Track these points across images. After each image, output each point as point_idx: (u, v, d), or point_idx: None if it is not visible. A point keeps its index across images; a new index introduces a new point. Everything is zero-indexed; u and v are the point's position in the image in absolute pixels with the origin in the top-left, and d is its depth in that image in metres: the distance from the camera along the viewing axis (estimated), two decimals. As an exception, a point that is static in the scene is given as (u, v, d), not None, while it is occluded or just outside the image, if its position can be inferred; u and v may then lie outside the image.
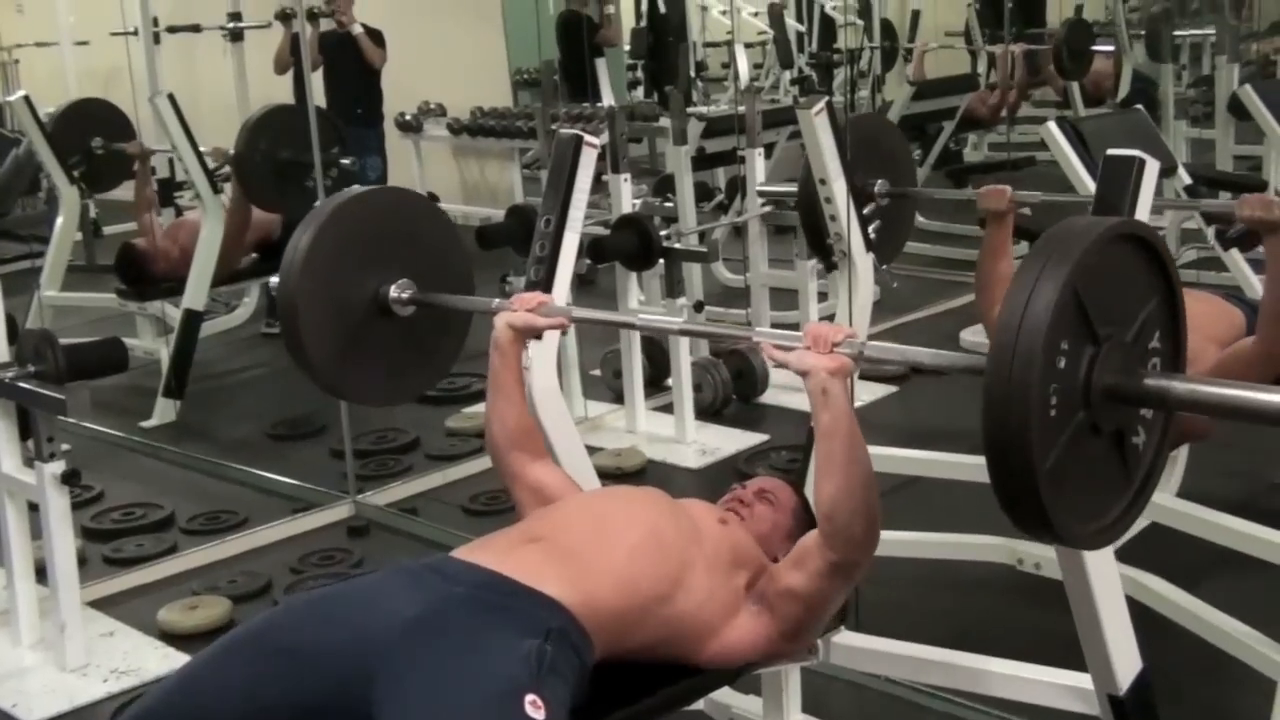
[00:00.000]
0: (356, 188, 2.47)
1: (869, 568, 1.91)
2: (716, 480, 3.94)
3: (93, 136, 5.34)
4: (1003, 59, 7.33)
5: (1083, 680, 2.15)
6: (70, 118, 5.42)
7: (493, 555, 1.88)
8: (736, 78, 6.98)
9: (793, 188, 4.04)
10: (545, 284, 2.40)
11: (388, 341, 2.40)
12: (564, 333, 2.28)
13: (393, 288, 2.37)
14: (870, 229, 3.30)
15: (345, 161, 4.76)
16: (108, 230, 6.04)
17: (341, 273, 2.33)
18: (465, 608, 1.76)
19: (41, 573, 3.11)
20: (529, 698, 1.64)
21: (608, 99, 6.94)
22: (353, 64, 6.39)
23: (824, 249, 3.46)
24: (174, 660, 3.07)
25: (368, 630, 1.73)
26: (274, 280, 2.34)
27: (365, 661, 1.70)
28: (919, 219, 6.81)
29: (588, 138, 2.50)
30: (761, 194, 4.71)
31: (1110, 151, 2.10)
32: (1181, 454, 3.27)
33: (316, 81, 6.17)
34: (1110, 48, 7.30)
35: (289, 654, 1.74)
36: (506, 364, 2.19)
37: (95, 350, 3.15)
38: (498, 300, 2.29)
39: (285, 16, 5.92)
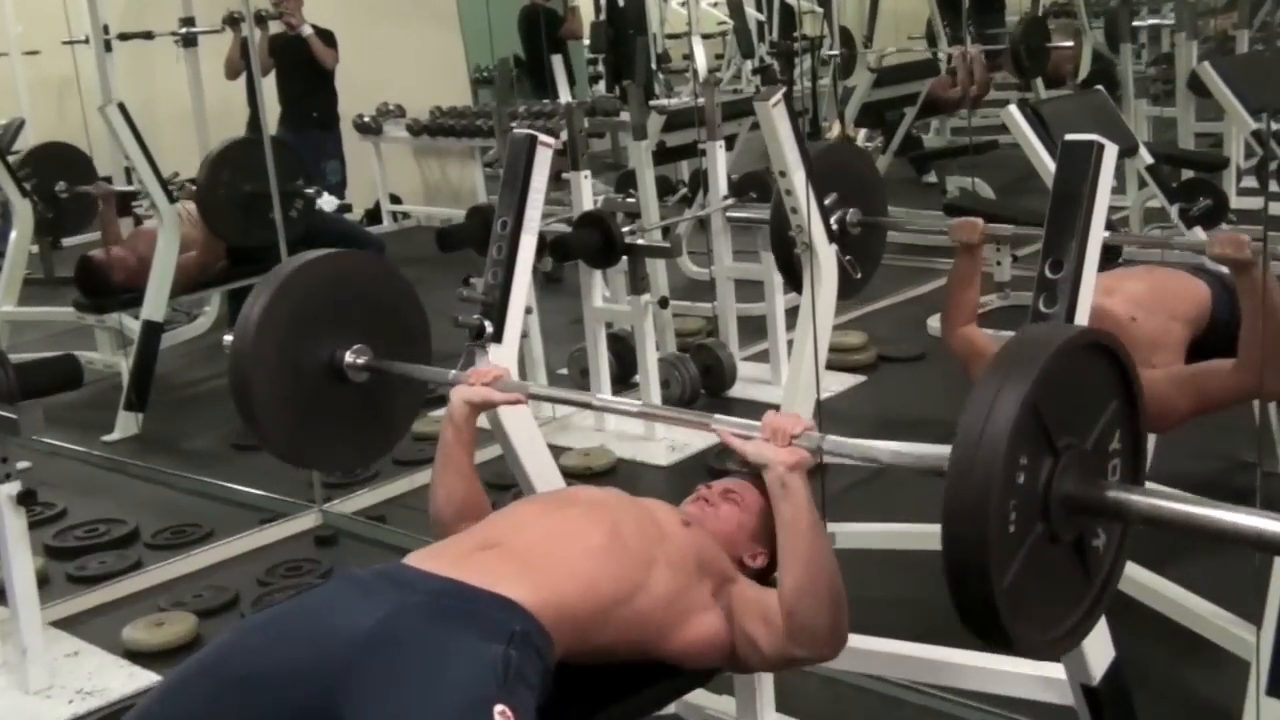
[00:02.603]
0: (312, 252, 2.42)
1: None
2: (686, 477, 3.92)
3: (57, 181, 5.27)
4: (961, 60, 7.35)
5: (1056, 670, 2.13)
6: (34, 161, 5.35)
7: (448, 562, 1.85)
8: (695, 70, 6.96)
9: (761, 213, 4.03)
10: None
11: (343, 408, 2.37)
12: (525, 332, 2.26)
13: (348, 353, 2.34)
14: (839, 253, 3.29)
15: (309, 191, 4.72)
16: (67, 242, 5.97)
17: (295, 339, 2.30)
18: (424, 617, 1.73)
19: (1, 593, 3.05)
20: (498, 708, 1.61)
21: (565, 95, 6.90)
22: (304, 66, 6.33)
23: (793, 272, 3.43)
24: (140, 679, 3.03)
25: (326, 648, 1.69)
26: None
27: (326, 681, 1.66)
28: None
29: (542, 137, 2.46)
30: (731, 220, 4.69)
31: (1068, 136, 2.07)
32: (1150, 436, 3.26)
33: (269, 86, 6.12)
34: (1069, 44, 7.33)
35: (247, 681, 1.70)
36: (460, 439, 2.15)
37: (48, 368, 3.09)
38: (454, 371, 2.26)
39: (234, 20, 5.86)
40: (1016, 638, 1.48)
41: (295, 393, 2.30)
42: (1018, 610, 1.47)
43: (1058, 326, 1.86)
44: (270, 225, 4.08)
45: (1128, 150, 4.27)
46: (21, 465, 4.04)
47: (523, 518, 2.00)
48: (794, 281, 3.43)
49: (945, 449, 1.49)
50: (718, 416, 1.96)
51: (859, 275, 3.28)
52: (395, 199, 7.74)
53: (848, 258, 3.23)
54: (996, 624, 1.46)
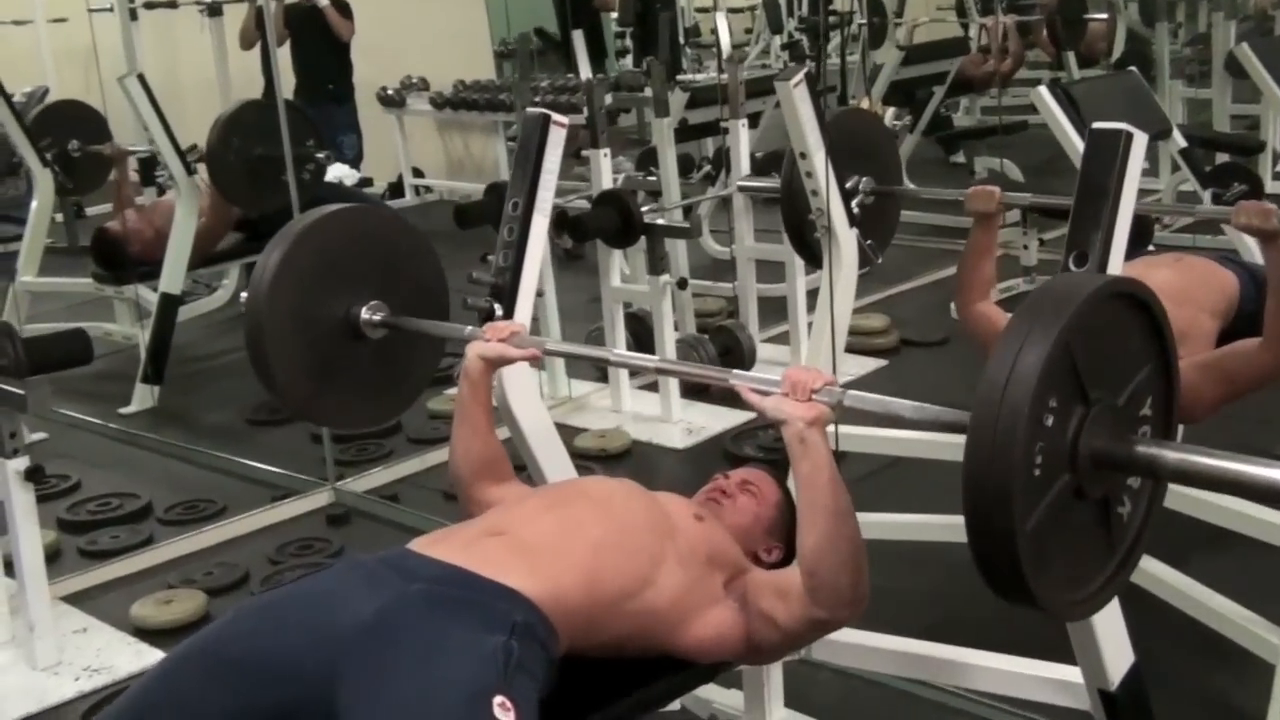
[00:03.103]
0: (329, 206, 2.38)
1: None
2: (703, 460, 3.87)
3: (70, 140, 5.24)
4: (994, 31, 7.23)
5: (1072, 674, 2.08)
6: (47, 119, 5.31)
7: (453, 549, 1.82)
8: (720, 46, 6.87)
9: (774, 182, 3.95)
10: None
11: (359, 364, 2.34)
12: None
13: (364, 309, 2.30)
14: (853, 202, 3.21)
15: (320, 155, 4.66)
16: (90, 211, 5.96)
17: (311, 294, 2.27)
18: (425, 605, 1.70)
19: (11, 566, 3.04)
20: (497, 699, 1.58)
21: (585, 71, 6.83)
22: (320, 38, 6.29)
23: (807, 248, 3.36)
24: (147, 657, 3.02)
25: (325, 635, 1.67)
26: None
27: (325, 669, 1.64)
28: (907, 184, 6.76)
29: (556, 116, 2.41)
30: (743, 190, 4.60)
31: (1096, 125, 2.00)
32: (1178, 429, 3.19)
33: (284, 57, 6.07)
34: (1104, 15, 7.20)
35: (245, 664, 1.68)
36: (476, 395, 2.12)
37: (58, 343, 3.06)
38: (470, 328, 2.22)
39: (250, -11, 5.81)
40: (1034, 589, 1.42)
41: (311, 347, 2.27)
42: (1038, 561, 1.41)
43: (1092, 275, 1.78)
44: (279, 190, 4.04)
45: (1161, 133, 4.19)
46: (38, 437, 4.05)
47: (532, 508, 1.97)
48: (810, 257, 3.36)
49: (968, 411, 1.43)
50: (736, 371, 1.92)
51: (879, 260, 3.22)
52: (418, 172, 7.70)
53: (869, 242, 3.17)
54: (1015, 571, 1.40)
